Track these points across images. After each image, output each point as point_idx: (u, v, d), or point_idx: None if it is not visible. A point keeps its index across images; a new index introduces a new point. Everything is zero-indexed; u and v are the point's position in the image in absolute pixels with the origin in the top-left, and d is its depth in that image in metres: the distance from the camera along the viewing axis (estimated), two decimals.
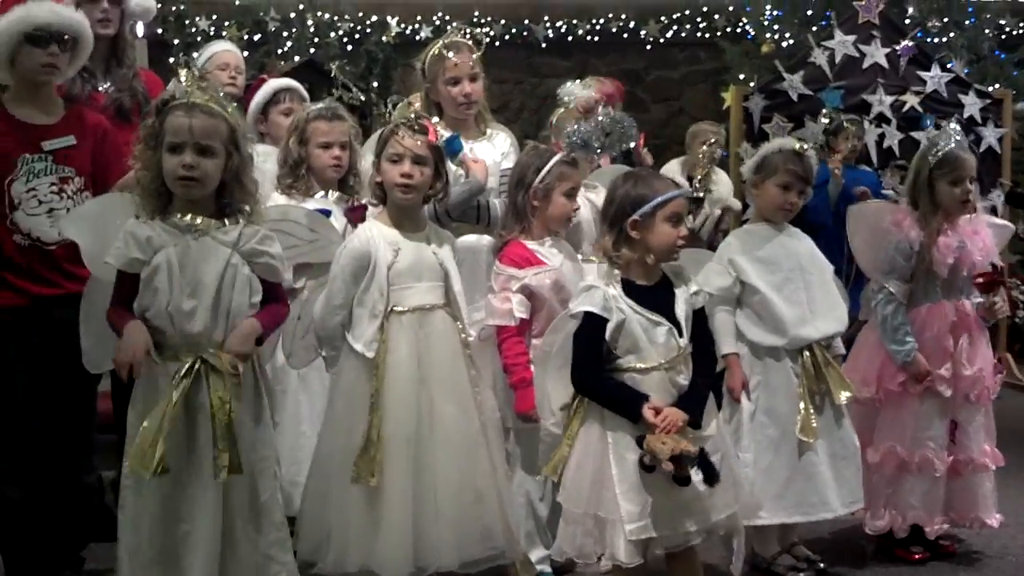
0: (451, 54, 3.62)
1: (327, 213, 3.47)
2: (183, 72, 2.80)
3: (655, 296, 2.88)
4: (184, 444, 2.68)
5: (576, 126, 3.65)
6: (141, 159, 2.74)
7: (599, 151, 3.64)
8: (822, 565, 3.56)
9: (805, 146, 3.56)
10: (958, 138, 3.65)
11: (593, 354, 2.84)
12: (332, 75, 6.11)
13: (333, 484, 3.02)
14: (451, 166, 3.34)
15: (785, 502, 3.40)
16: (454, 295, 3.14)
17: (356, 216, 3.42)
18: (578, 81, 4.24)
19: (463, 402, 3.11)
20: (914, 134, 5.87)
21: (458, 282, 3.16)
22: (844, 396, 3.44)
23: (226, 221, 2.78)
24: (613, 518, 2.78)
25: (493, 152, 3.72)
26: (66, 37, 3.21)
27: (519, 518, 3.29)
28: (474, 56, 3.67)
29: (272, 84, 4.40)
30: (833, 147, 5.41)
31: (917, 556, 3.66)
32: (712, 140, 5.86)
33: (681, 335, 2.86)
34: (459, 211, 3.50)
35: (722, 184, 5.86)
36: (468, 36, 3.76)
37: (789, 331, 3.41)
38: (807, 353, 3.44)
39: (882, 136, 5.90)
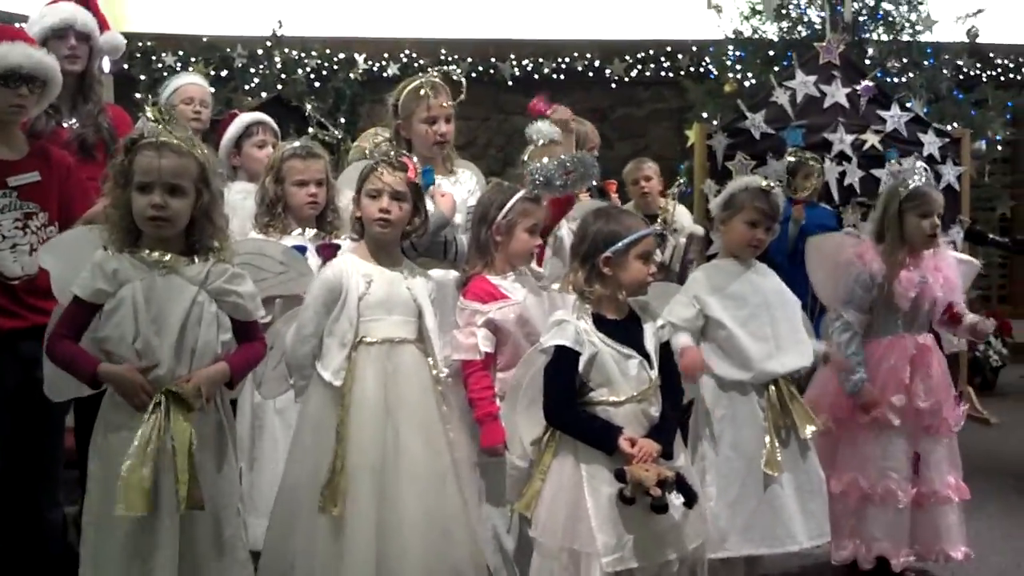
0: (432, 93, 3.67)
1: (302, 250, 3.52)
2: (150, 110, 2.81)
3: (625, 330, 2.93)
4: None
5: (539, 164, 3.69)
6: (111, 196, 2.74)
7: (561, 189, 3.67)
8: None
9: (771, 184, 3.62)
10: (924, 174, 3.75)
11: (566, 388, 2.87)
12: (306, 114, 6.15)
13: (299, 514, 3.00)
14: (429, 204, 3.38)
15: (751, 534, 3.41)
16: (427, 332, 3.13)
17: (328, 253, 3.43)
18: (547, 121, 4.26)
19: (431, 437, 3.09)
20: (874, 171, 5.94)
21: (432, 319, 3.16)
22: (809, 430, 3.47)
23: (195, 258, 2.77)
24: (589, 551, 2.79)
25: (460, 189, 3.76)
26: (36, 79, 3.24)
27: (487, 553, 3.28)
28: (451, 100, 3.73)
29: (244, 118, 4.43)
30: (794, 187, 5.47)
31: None
32: (649, 177, 5.88)
33: (652, 367, 2.90)
34: (425, 245, 3.51)
35: (681, 215, 5.91)
36: (449, 78, 3.82)
37: (755, 366, 3.44)
38: (773, 387, 3.47)
39: (843, 174, 5.96)
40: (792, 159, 5.62)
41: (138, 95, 7.14)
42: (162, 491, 2.66)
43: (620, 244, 2.89)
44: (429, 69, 4.54)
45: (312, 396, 3.08)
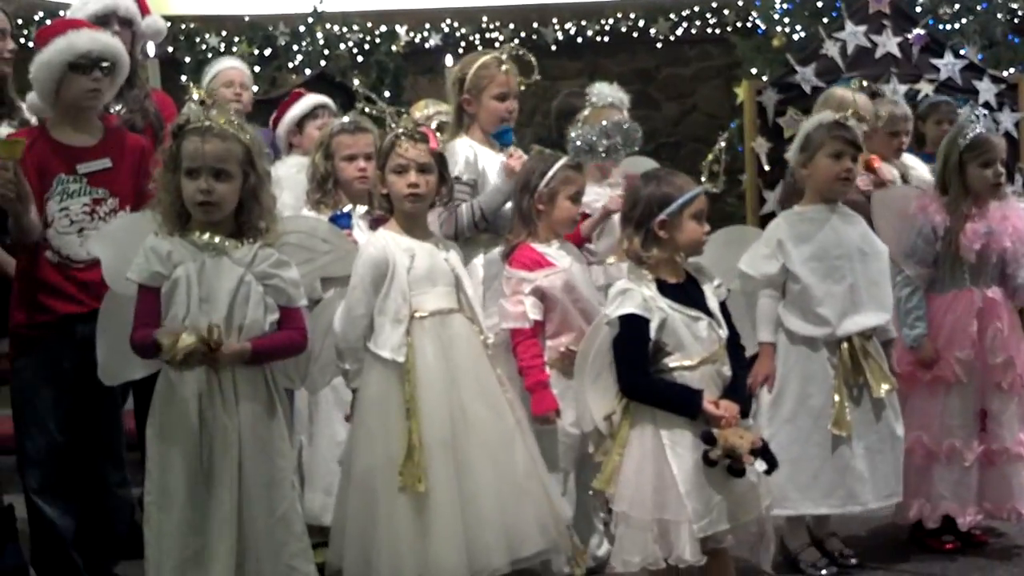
0: (505, 70, 3.70)
1: (347, 218, 3.54)
2: (196, 93, 2.85)
3: (687, 292, 2.92)
4: (200, 457, 2.73)
5: (580, 130, 3.66)
6: (163, 181, 2.81)
7: (604, 156, 3.64)
8: (853, 561, 3.55)
9: (844, 115, 3.53)
10: (984, 120, 3.65)
11: (639, 357, 2.86)
12: (354, 89, 6.14)
13: (378, 496, 3.01)
14: (460, 170, 3.46)
15: (812, 493, 3.39)
16: (467, 299, 3.17)
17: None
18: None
19: (494, 402, 3.13)
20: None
21: (470, 286, 3.20)
22: (884, 389, 3.42)
23: (244, 241, 2.83)
24: (679, 519, 2.79)
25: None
26: (105, 63, 3.29)
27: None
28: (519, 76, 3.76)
29: (310, 100, 4.49)
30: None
31: (948, 546, 3.63)
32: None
33: (720, 327, 2.90)
34: (493, 215, 3.57)
35: None
36: (520, 56, 3.83)
37: (828, 324, 3.40)
38: (846, 345, 3.42)
39: None
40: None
41: (184, 78, 7.18)
42: (219, 466, 2.73)
43: (674, 205, 2.87)
44: (502, 42, 4.54)
45: (371, 377, 3.08)
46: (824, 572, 3.48)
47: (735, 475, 2.75)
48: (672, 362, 2.85)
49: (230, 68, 4.72)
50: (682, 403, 2.83)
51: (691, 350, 2.86)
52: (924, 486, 3.59)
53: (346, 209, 3.65)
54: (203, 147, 2.74)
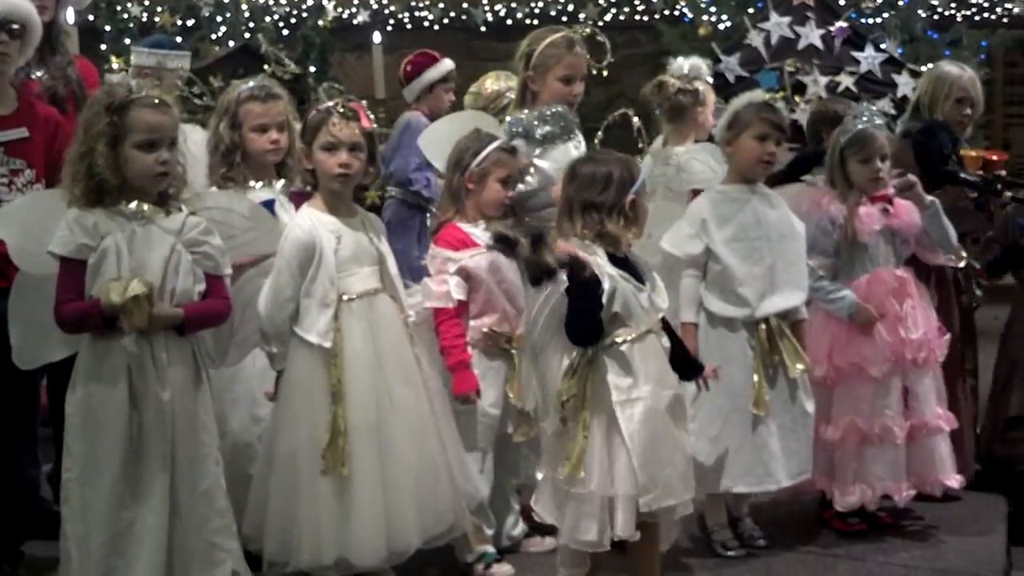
0: (575, 51, 3.57)
1: (271, 204, 3.35)
2: (116, 62, 2.79)
3: (628, 265, 2.96)
4: (130, 430, 2.69)
5: (517, 115, 3.66)
6: (101, 156, 2.70)
7: (540, 142, 3.64)
8: (762, 543, 3.62)
9: (774, 97, 3.59)
10: (874, 118, 3.70)
11: (591, 306, 2.83)
12: (262, 50, 5.98)
13: (301, 479, 3.00)
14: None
15: (732, 472, 3.46)
16: (390, 278, 3.16)
17: (298, 202, 3.39)
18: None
19: (415, 383, 3.15)
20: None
21: (393, 265, 3.19)
22: (799, 368, 3.49)
23: (170, 210, 2.80)
24: (628, 494, 2.83)
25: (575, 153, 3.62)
26: (15, 26, 3.19)
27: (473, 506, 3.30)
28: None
29: (447, 65, 4.77)
30: None
31: (855, 528, 3.71)
32: None
33: (660, 297, 2.98)
34: (520, 204, 3.49)
35: None
36: (593, 38, 3.73)
37: (748, 304, 3.46)
38: (763, 326, 3.49)
39: None
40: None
41: (103, 47, 7.02)
42: (150, 439, 2.70)
43: (639, 183, 2.95)
44: (575, 24, 4.43)
45: (296, 360, 3.06)
46: (731, 553, 3.54)
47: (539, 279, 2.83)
48: (618, 336, 2.88)
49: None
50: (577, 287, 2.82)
51: (638, 320, 2.91)
52: (862, 470, 3.64)
53: (258, 186, 3.42)
54: (163, 118, 2.74)
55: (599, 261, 2.86)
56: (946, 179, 3.93)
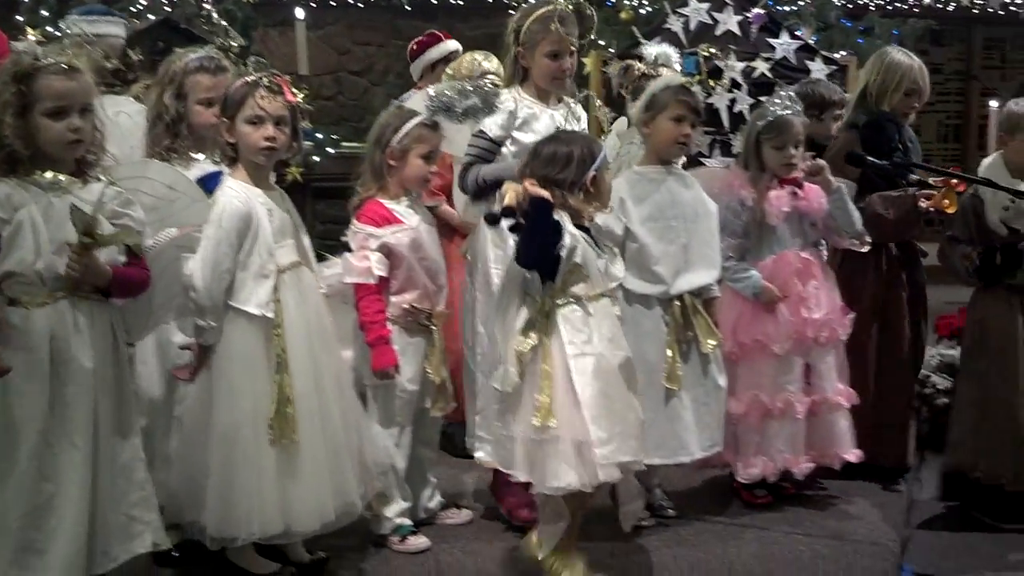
0: (562, 26, 3.52)
1: (218, 176, 3.25)
2: (33, 34, 2.74)
3: (589, 235, 3.09)
4: (51, 400, 2.64)
5: (438, 90, 3.68)
6: (9, 128, 2.64)
7: (462, 116, 3.67)
8: (671, 512, 3.73)
9: (691, 81, 3.68)
10: (789, 103, 3.81)
11: (547, 239, 2.95)
12: (210, 17, 5.85)
13: (244, 451, 3.00)
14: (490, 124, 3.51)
15: (646, 444, 3.52)
16: (305, 250, 3.20)
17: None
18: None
19: (334, 352, 3.23)
20: (764, 99, 6.07)
21: (307, 237, 3.22)
22: (711, 344, 3.59)
23: (87, 180, 2.75)
24: (586, 440, 2.93)
25: (577, 126, 3.67)
26: None
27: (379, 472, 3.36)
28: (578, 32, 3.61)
29: (451, 45, 4.79)
30: None
31: (761, 500, 3.85)
32: None
33: (615, 265, 3.14)
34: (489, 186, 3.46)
35: None
36: (581, 10, 3.67)
37: (664, 282, 3.53)
38: (677, 303, 3.57)
39: (733, 101, 6.09)
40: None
41: (19, 18, 6.85)
42: (73, 409, 2.66)
43: (600, 159, 3.06)
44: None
45: (234, 334, 3.05)
46: (642, 524, 3.62)
47: (492, 223, 3.00)
48: (576, 291, 3.01)
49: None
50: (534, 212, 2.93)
51: (595, 280, 3.04)
52: (763, 444, 3.77)
53: (202, 159, 3.37)
54: (73, 84, 2.67)
55: (563, 221, 2.98)
56: (851, 161, 3.98)
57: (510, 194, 2.91)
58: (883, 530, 3.68)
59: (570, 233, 2.98)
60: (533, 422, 2.94)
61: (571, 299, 3.02)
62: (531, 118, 3.56)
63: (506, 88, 3.64)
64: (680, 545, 3.49)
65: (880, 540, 3.58)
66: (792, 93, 3.96)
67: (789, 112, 3.79)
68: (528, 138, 3.48)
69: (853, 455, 3.87)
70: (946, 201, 3.95)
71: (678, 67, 4.50)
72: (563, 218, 2.99)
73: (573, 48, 3.57)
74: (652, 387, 3.53)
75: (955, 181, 3.96)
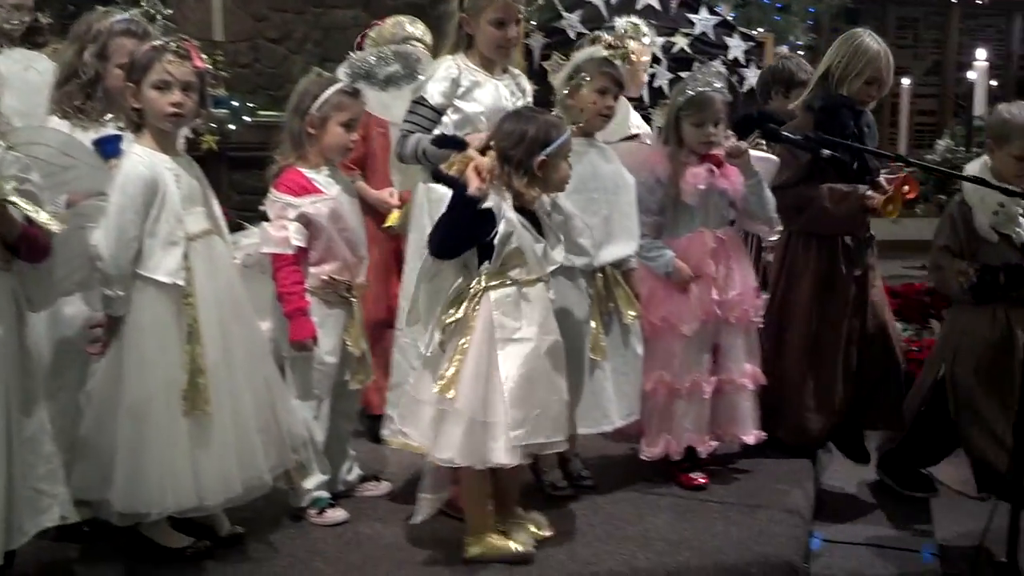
0: None
1: (118, 140, 3.19)
2: None
3: (532, 219, 3.11)
4: None
5: (358, 55, 3.63)
6: None
7: (384, 83, 3.62)
8: (589, 483, 3.76)
9: (613, 54, 3.66)
10: (713, 81, 3.77)
11: (463, 230, 3.00)
12: None
13: (154, 425, 2.94)
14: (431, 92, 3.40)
15: (571, 420, 3.55)
16: (216, 219, 3.14)
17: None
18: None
19: (248, 322, 3.17)
20: (683, 74, 6.11)
21: (218, 205, 3.16)
22: (631, 315, 3.63)
23: None
24: (496, 422, 2.96)
25: (516, 95, 3.61)
26: None
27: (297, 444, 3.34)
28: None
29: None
30: None
31: (700, 481, 3.80)
32: None
33: (554, 250, 3.15)
34: (436, 161, 3.37)
35: None
36: None
37: (587, 254, 3.54)
38: (600, 274, 3.60)
39: (653, 76, 6.13)
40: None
41: None
42: None
43: (555, 145, 3.04)
44: None
45: (143, 303, 2.98)
46: (561, 493, 3.67)
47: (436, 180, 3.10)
48: (513, 275, 3.04)
49: None
50: (456, 194, 2.97)
51: (532, 266, 3.06)
52: (669, 422, 3.77)
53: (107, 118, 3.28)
54: None
55: (502, 204, 3.00)
56: (765, 135, 3.96)
57: (459, 165, 2.92)
58: (795, 497, 3.76)
59: (507, 219, 2.99)
60: (433, 389, 3.01)
61: (507, 282, 3.04)
62: (474, 87, 3.48)
63: (449, 55, 3.55)
64: (596, 514, 3.53)
65: (792, 507, 3.66)
66: (716, 69, 3.95)
67: (710, 89, 3.74)
68: (471, 107, 3.45)
69: (753, 436, 3.88)
70: (889, 207, 3.89)
71: (647, 40, 4.49)
72: (503, 201, 3.00)
73: (519, 16, 3.53)
74: (574, 358, 3.54)
75: (906, 188, 3.90)
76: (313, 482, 3.42)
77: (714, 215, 3.82)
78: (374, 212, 4.08)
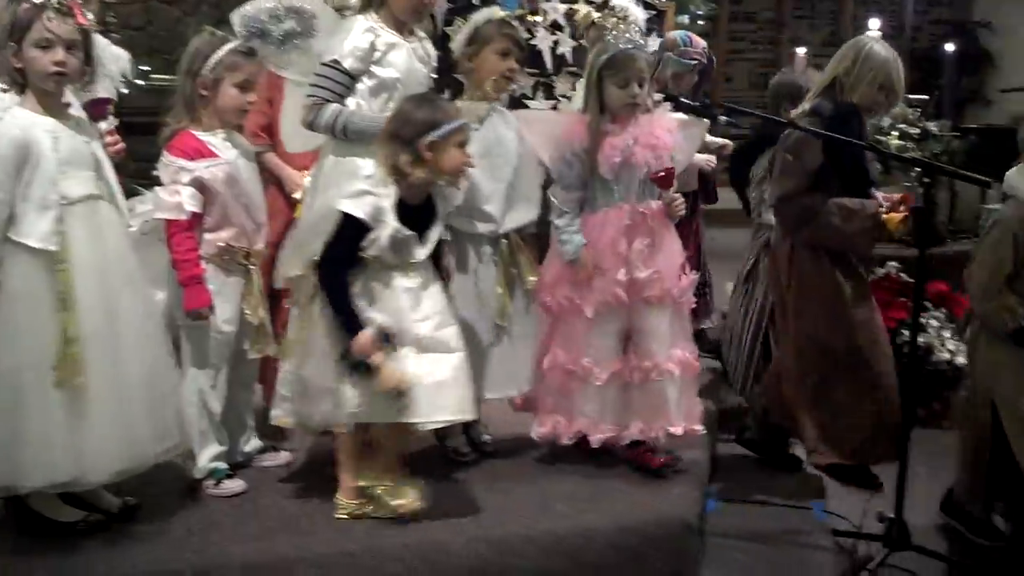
0: None
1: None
2: None
3: (416, 213, 3.11)
4: None
5: (252, 13, 3.54)
6: None
7: (280, 42, 3.54)
8: (490, 448, 3.78)
9: (511, 14, 3.64)
10: (637, 39, 3.58)
11: (345, 255, 3.03)
12: None
13: (27, 396, 2.85)
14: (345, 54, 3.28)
15: (479, 380, 3.54)
16: (108, 184, 3.05)
17: (98, 111, 3.23)
18: None
19: (140, 294, 3.07)
20: (584, 41, 6.14)
21: (112, 172, 3.06)
22: (532, 280, 3.65)
23: None
24: (331, 387, 3.03)
25: (423, 61, 3.52)
26: None
27: (192, 416, 3.29)
28: None
29: None
30: None
31: (664, 462, 3.61)
32: None
33: (422, 247, 3.12)
34: (356, 136, 3.30)
35: None
36: None
37: (493, 220, 3.53)
38: (505, 240, 3.60)
39: (556, 43, 6.13)
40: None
41: None
42: None
43: (443, 130, 3.03)
44: None
45: (14, 270, 2.88)
46: (464, 458, 3.69)
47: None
48: (375, 264, 3.05)
49: None
50: (346, 324, 3.01)
51: (389, 258, 3.05)
52: (562, 403, 3.61)
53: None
54: None
55: (383, 204, 3.03)
56: (668, 99, 3.82)
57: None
58: (692, 459, 3.81)
59: (382, 222, 3.03)
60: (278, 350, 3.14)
61: (362, 269, 3.06)
62: (390, 50, 3.35)
63: (360, 14, 3.40)
64: (498, 479, 3.55)
65: (689, 469, 3.71)
66: (638, 27, 3.76)
67: (632, 47, 3.53)
68: (388, 73, 3.35)
69: (682, 427, 3.59)
70: (901, 227, 3.75)
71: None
72: (390, 195, 3.03)
73: None
74: (481, 324, 3.55)
75: (902, 208, 3.74)
76: (209, 453, 3.36)
77: (637, 187, 3.55)
78: (279, 181, 3.96)
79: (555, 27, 6.13)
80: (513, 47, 3.56)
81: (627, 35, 3.56)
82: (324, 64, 3.33)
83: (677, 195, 3.59)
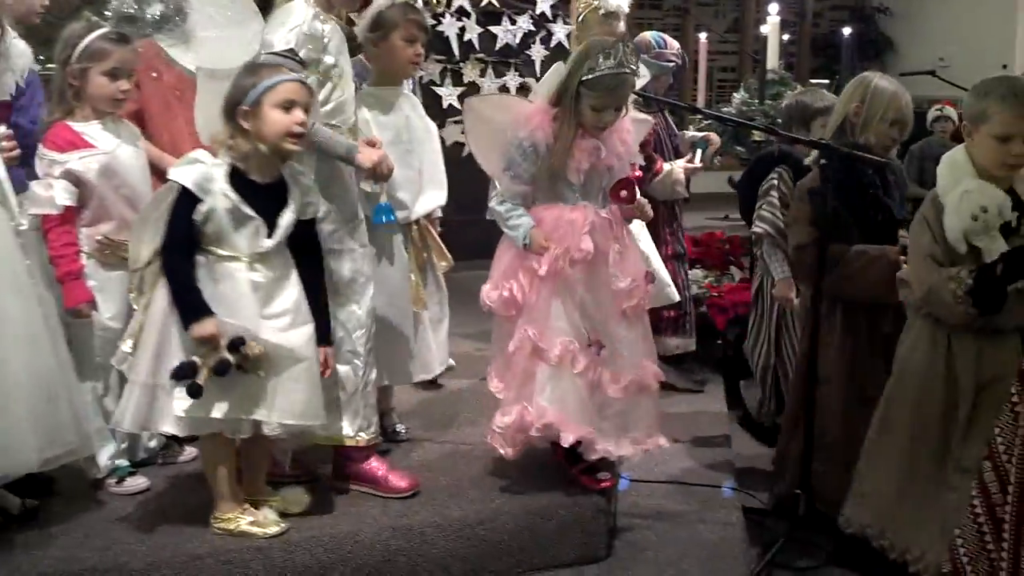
0: None
1: None
2: None
3: (265, 194, 2.89)
4: None
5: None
6: None
7: (155, 26, 3.44)
8: (404, 436, 3.79)
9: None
10: (626, 59, 3.22)
11: (181, 231, 2.84)
12: None
13: None
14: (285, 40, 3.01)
15: (393, 367, 3.54)
16: (1, 180, 2.93)
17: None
18: None
19: (25, 295, 2.91)
20: (492, 28, 6.16)
21: (2, 168, 2.94)
22: (443, 266, 3.65)
23: None
24: (166, 386, 2.83)
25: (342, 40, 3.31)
26: None
27: (88, 415, 3.18)
28: None
29: None
30: None
31: (604, 483, 3.41)
32: None
33: (270, 237, 2.89)
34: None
35: None
36: None
37: (406, 207, 3.49)
38: (415, 226, 3.57)
39: (463, 30, 6.13)
40: None
41: None
42: None
43: (253, 94, 2.83)
44: None
45: None
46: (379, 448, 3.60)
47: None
48: (214, 249, 2.87)
49: None
50: (185, 311, 2.82)
51: (229, 244, 2.86)
52: (529, 388, 3.27)
53: None
54: None
55: (214, 172, 2.85)
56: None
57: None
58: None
59: (214, 194, 2.83)
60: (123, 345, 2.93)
61: (204, 252, 2.88)
62: (333, 36, 3.12)
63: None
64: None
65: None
66: (633, 48, 3.37)
67: (626, 70, 3.21)
68: (331, 61, 3.12)
69: (665, 440, 3.44)
70: None
71: None
72: (223, 168, 2.87)
73: None
74: (393, 310, 3.51)
75: None
76: (108, 451, 3.28)
77: (599, 191, 3.36)
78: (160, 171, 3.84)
79: (461, 14, 6.16)
80: (419, 32, 3.50)
81: (621, 56, 3.20)
82: (275, 53, 3.01)
83: (642, 198, 3.46)
